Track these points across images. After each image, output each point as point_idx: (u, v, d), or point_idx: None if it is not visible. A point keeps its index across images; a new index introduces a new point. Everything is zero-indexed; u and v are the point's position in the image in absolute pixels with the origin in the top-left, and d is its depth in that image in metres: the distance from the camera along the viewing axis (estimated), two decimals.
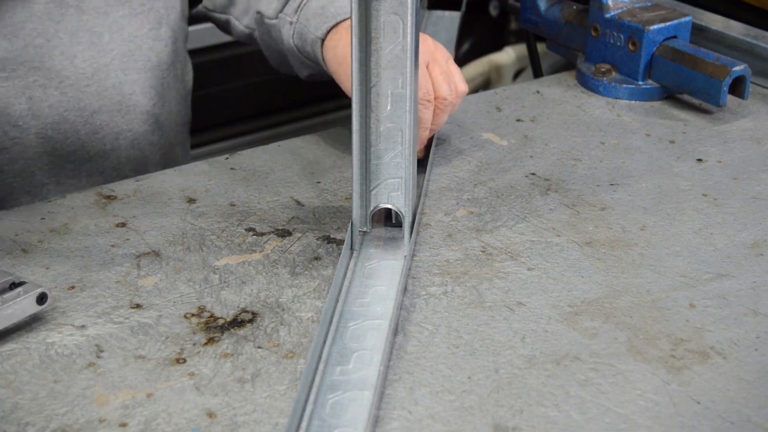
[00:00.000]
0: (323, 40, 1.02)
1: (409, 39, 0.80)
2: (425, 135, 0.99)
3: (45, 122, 1.08)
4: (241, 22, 1.18)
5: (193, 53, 2.00)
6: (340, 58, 0.99)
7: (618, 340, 0.78)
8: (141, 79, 1.11)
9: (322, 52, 1.02)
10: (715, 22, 1.28)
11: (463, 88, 1.01)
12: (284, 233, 0.92)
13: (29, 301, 0.77)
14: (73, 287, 0.83)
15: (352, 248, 0.87)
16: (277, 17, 1.09)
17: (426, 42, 1.01)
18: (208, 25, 1.71)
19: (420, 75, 0.96)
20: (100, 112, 1.09)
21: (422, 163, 1.00)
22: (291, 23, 1.06)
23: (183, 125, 1.22)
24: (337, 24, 1.01)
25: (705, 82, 1.14)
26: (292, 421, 0.67)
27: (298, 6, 1.06)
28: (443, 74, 0.99)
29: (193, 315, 0.80)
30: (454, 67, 1.02)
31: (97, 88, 1.08)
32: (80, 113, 1.08)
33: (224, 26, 1.23)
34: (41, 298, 0.77)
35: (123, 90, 1.10)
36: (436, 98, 0.98)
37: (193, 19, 1.25)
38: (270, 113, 2.12)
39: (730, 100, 1.16)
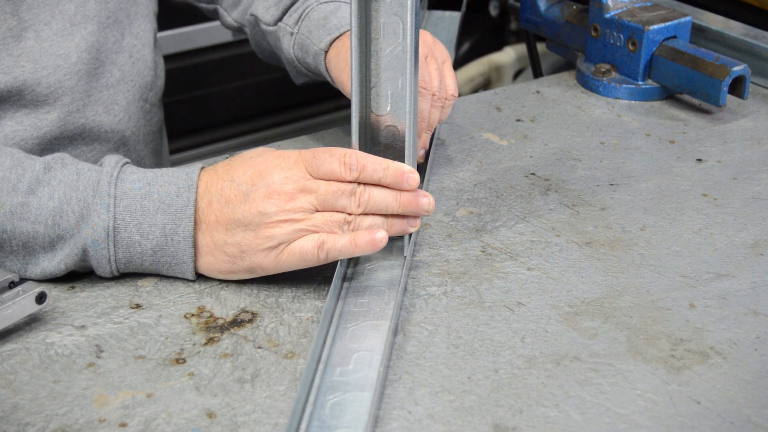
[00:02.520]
0: (326, 52, 1.01)
1: (409, 40, 0.80)
2: (422, 127, 0.97)
3: None
4: (230, 14, 1.16)
5: (192, 53, 2.00)
6: (343, 63, 0.98)
7: (618, 340, 0.78)
8: (103, 97, 1.07)
9: (324, 63, 1.01)
10: (715, 22, 1.29)
11: (453, 91, 1.00)
12: None
13: (28, 300, 0.77)
14: (73, 287, 0.83)
15: None
16: (275, 25, 1.08)
17: (426, 37, 1.01)
18: (208, 25, 1.71)
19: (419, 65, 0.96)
20: (61, 138, 1.04)
21: (422, 167, 0.99)
22: (292, 34, 1.05)
23: (153, 133, 1.17)
24: (340, 36, 1.01)
25: (705, 82, 1.14)
26: (291, 422, 0.67)
27: (299, 17, 1.05)
28: (437, 70, 0.98)
29: (192, 315, 0.80)
30: (449, 69, 1.01)
31: (60, 113, 1.03)
32: (39, 141, 1.03)
33: (211, 14, 1.21)
34: (40, 298, 0.77)
35: (86, 113, 1.06)
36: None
37: (187, 19, 1.23)
38: (270, 113, 2.12)
39: (730, 100, 1.16)
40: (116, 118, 1.08)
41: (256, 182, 0.80)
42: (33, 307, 0.77)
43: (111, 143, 1.09)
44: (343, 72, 0.98)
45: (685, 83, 1.16)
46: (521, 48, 2.08)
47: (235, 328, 0.79)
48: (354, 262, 0.86)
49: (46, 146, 1.04)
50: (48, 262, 0.82)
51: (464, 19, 1.42)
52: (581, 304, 0.82)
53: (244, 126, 2.09)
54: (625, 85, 1.20)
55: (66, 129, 1.04)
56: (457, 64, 2.07)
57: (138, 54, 1.11)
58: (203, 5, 1.20)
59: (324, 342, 0.75)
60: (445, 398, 0.72)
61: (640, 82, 1.20)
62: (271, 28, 1.08)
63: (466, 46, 2.13)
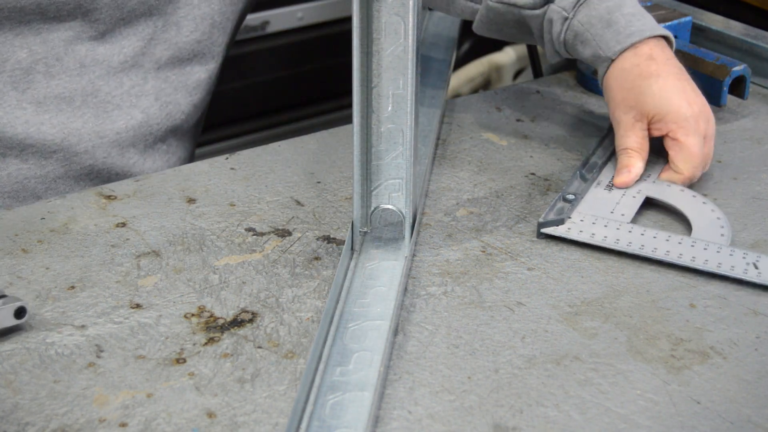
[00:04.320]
0: (613, 60, 0.98)
1: (410, 40, 0.80)
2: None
3: (2, 191, 1.03)
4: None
5: None
6: (620, 92, 0.97)
7: (618, 340, 0.78)
8: (120, 139, 1.06)
9: (604, 77, 0.99)
10: (715, 22, 1.29)
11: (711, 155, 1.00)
12: (284, 233, 0.92)
13: (5, 313, 0.76)
14: (73, 287, 0.83)
15: (352, 249, 0.87)
16: (542, 7, 1.02)
17: (706, 114, 0.99)
18: None
19: (703, 151, 0.97)
20: (65, 178, 1.04)
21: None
22: (566, 18, 1.00)
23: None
24: (633, 45, 0.97)
25: (705, 82, 1.13)
26: (291, 421, 0.67)
27: (576, 1, 1.00)
28: (710, 148, 0.99)
29: (193, 315, 0.80)
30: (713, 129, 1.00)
31: (65, 154, 1.03)
32: (42, 179, 1.03)
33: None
34: (19, 313, 0.77)
35: (96, 154, 1.05)
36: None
37: None
38: (270, 113, 2.12)
39: (730, 100, 1.16)
40: (130, 161, 1.07)
41: None
42: (10, 321, 0.76)
43: (122, 185, 1.08)
44: (618, 107, 0.98)
45: None
46: (521, 48, 2.08)
47: (235, 328, 0.79)
48: (354, 262, 0.86)
49: (50, 185, 1.03)
50: None
51: (465, 19, 1.42)
52: (581, 304, 0.82)
53: (244, 126, 2.09)
54: None
55: (71, 169, 1.04)
56: (457, 64, 2.07)
57: (168, 98, 1.09)
58: None
59: (324, 342, 0.75)
60: (445, 398, 0.72)
61: None
62: (536, 12, 1.02)
63: (466, 46, 2.13)
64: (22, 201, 1.05)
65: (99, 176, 1.06)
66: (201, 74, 1.12)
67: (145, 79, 1.07)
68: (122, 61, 1.05)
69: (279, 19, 2.03)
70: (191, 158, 1.19)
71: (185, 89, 1.11)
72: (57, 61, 1.01)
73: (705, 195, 0.99)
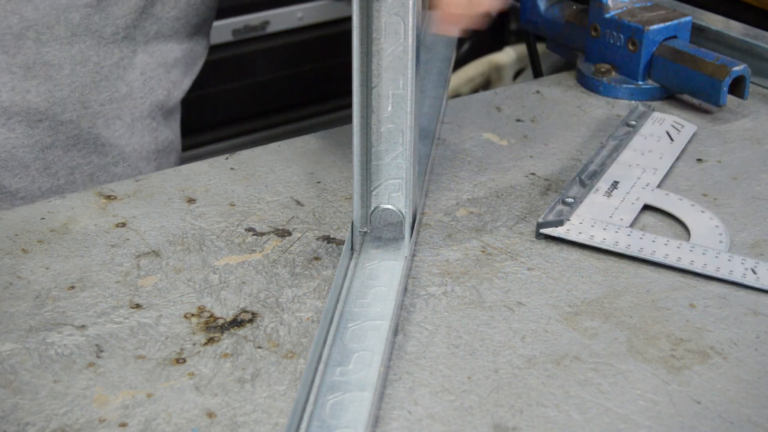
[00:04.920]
0: None
1: (410, 40, 0.80)
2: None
3: None
4: None
5: None
6: None
7: (618, 340, 0.78)
8: (104, 111, 1.07)
9: None
10: (715, 22, 1.29)
11: None
12: (284, 233, 0.92)
13: None
14: (73, 287, 0.83)
15: (352, 249, 0.87)
16: None
17: None
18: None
19: None
20: (53, 147, 1.05)
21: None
22: None
23: (159, 152, 1.15)
24: None
25: (705, 82, 1.14)
26: (291, 421, 0.67)
27: None
28: None
29: (193, 315, 0.80)
30: None
31: (51, 123, 1.04)
32: (31, 149, 1.04)
33: None
34: None
35: (81, 124, 1.06)
36: None
37: None
38: (270, 113, 2.12)
39: (730, 100, 1.16)
40: (116, 133, 1.08)
41: None
42: None
43: (109, 157, 1.08)
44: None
45: (685, 83, 1.16)
46: (521, 48, 2.08)
47: (235, 328, 0.79)
48: (354, 262, 0.86)
49: (38, 155, 1.04)
50: None
51: None
52: (581, 304, 0.82)
53: (244, 126, 2.09)
54: (625, 85, 1.20)
55: (58, 138, 1.04)
56: (457, 64, 2.07)
57: (152, 72, 1.10)
58: None
59: (324, 342, 0.75)
60: (445, 398, 0.72)
61: (640, 82, 1.20)
62: None
63: (466, 46, 2.13)
64: (11, 170, 1.05)
65: (86, 147, 1.07)
66: (177, 53, 1.13)
67: (134, 53, 1.08)
68: (114, 32, 1.06)
69: (279, 19, 2.04)
70: (180, 144, 1.20)
71: (165, 66, 1.12)
72: (48, 29, 1.01)
73: (704, 195, 0.99)
